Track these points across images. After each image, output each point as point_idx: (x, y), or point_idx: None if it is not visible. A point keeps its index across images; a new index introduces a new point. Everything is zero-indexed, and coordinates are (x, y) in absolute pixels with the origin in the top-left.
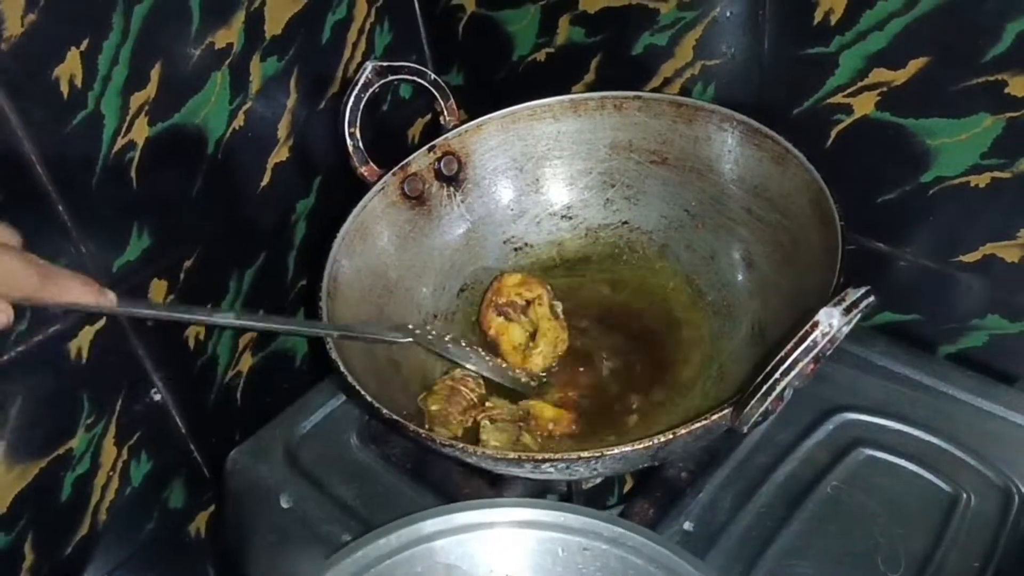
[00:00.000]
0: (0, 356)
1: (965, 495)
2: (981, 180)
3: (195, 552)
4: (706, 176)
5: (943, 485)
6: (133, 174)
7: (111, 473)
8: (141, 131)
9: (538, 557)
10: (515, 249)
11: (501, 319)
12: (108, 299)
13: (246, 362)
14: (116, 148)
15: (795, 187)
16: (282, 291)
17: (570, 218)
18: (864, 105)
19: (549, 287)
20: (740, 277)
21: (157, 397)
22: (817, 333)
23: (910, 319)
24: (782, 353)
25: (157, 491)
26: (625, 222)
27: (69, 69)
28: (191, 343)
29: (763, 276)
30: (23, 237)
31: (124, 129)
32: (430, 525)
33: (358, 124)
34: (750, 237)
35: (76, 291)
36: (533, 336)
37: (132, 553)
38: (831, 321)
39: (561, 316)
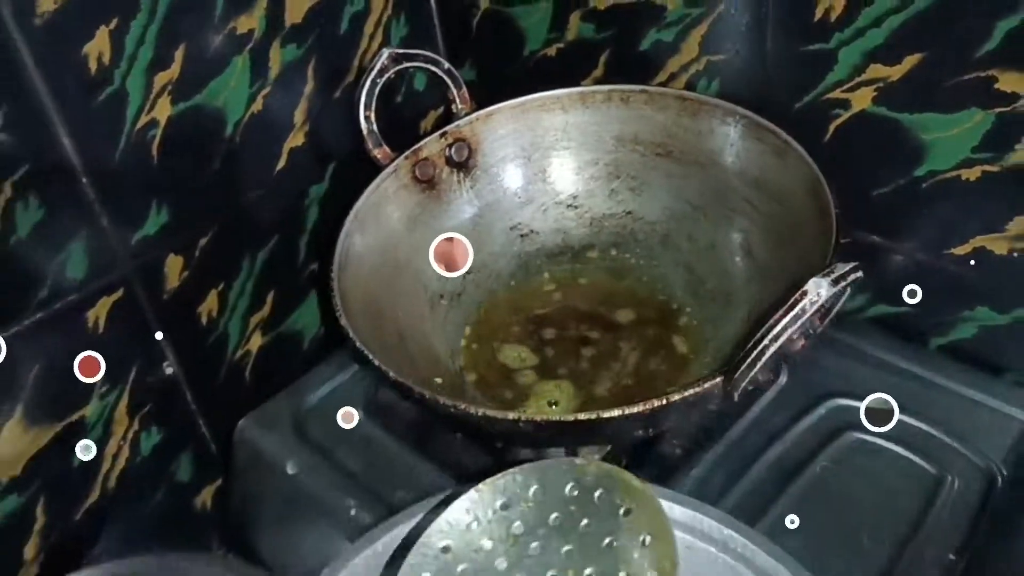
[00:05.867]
0: (21, 321)
1: (950, 478)
2: (972, 174)
3: (201, 525)
4: (708, 168)
5: (928, 468)
6: (154, 151)
7: (122, 443)
8: (163, 110)
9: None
10: (521, 236)
11: None
12: None
13: (256, 341)
14: (139, 125)
15: (794, 179)
16: (292, 273)
17: (576, 207)
18: (861, 100)
19: None
20: (739, 265)
21: (170, 370)
22: (806, 301)
23: (903, 311)
24: (771, 320)
25: (166, 463)
26: (629, 212)
27: (98, 47)
28: (203, 319)
29: (761, 264)
30: (48, 207)
31: (147, 107)
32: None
33: (373, 108)
34: (750, 227)
35: None
36: None
37: (140, 523)
38: (819, 291)
39: None
